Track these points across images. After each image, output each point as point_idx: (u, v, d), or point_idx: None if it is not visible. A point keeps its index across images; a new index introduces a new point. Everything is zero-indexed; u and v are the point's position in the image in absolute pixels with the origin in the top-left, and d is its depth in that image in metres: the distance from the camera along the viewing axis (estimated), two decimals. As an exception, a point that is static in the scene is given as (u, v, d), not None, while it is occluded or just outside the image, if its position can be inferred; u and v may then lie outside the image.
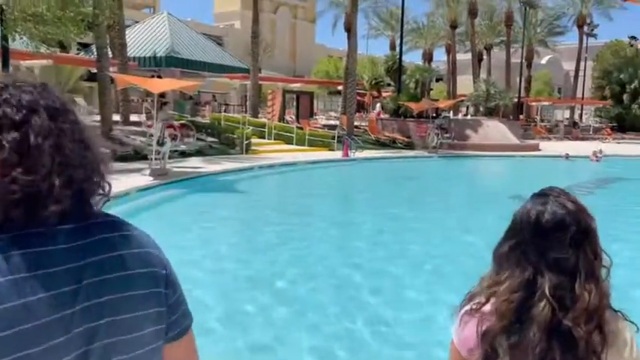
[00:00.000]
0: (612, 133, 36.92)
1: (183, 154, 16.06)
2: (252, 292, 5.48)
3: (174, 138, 13.90)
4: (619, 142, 32.36)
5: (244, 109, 30.51)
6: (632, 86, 40.67)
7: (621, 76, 41.22)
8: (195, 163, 15.10)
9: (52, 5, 12.10)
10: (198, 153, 16.88)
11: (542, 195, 1.22)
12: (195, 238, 7.80)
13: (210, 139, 19.19)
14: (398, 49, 32.56)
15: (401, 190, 14.05)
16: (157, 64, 27.05)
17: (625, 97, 41.03)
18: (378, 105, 30.25)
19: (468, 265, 5.70)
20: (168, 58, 27.12)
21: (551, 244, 1.10)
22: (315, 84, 33.48)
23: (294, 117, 26.24)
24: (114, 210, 1.01)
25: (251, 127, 20.83)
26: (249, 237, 8.28)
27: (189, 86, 16.20)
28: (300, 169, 16.58)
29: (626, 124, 40.10)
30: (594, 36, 45.95)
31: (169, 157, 13.97)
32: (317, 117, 31.58)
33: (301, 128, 22.29)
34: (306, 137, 21.30)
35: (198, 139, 17.90)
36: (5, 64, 13.45)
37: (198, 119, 23.93)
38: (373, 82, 32.22)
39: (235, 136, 18.79)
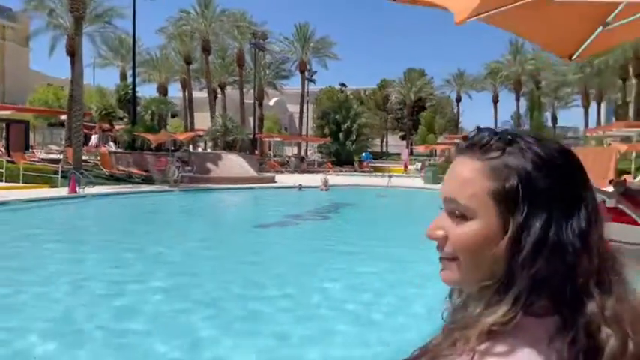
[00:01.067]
0: (332, 166, 41.62)
1: None
2: None
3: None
4: (338, 174, 36.54)
5: None
6: (346, 126, 46.77)
7: (337, 117, 47.07)
8: None
9: None
10: None
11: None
12: None
13: None
14: (130, 79, 30.70)
15: (139, 225, 12.66)
16: None
17: (341, 135, 46.90)
18: (94, 137, 27.97)
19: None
20: None
21: None
22: (31, 112, 28.96)
23: (3, 150, 21.97)
24: None
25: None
26: None
27: None
28: (13, 208, 13.61)
29: (342, 159, 45.75)
30: (313, 81, 51.78)
31: None
32: (34, 150, 27.24)
33: (13, 162, 18.68)
34: (21, 172, 17.90)
35: None
36: None
37: None
38: (103, 112, 29.53)
39: None
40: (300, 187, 23.18)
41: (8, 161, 18.70)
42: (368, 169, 42.44)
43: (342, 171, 40.69)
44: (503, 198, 0.70)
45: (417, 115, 61.52)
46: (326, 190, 22.86)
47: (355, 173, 39.75)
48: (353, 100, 51.83)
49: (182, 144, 30.05)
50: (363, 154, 46.73)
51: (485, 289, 0.70)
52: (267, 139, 45.61)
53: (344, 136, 46.29)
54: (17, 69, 46.44)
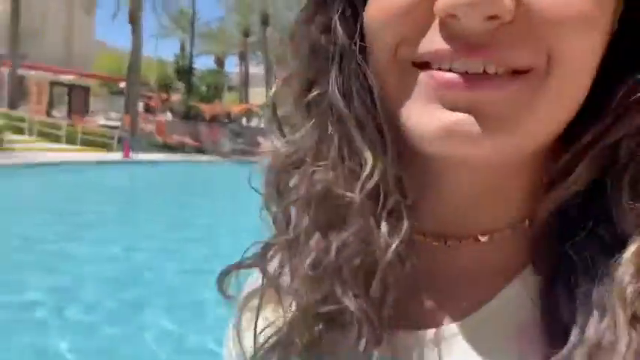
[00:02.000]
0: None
1: None
2: None
3: None
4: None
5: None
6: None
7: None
8: None
9: None
10: None
11: None
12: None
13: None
14: (189, 49, 30.94)
15: (191, 196, 12.62)
16: None
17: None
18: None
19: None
20: None
21: None
22: (92, 78, 29.69)
23: (64, 113, 22.65)
24: None
25: (3, 121, 17.08)
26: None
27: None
28: (67, 170, 13.86)
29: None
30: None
31: None
32: (94, 116, 27.99)
33: (73, 126, 19.16)
34: (79, 136, 18.31)
35: None
36: None
37: None
38: (161, 83, 29.96)
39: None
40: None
41: (68, 124, 19.17)
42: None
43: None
44: None
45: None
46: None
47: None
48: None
49: (236, 117, 30.11)
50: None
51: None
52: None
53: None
54: (83, 37, 47.92)
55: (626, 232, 0.33)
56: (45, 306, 4.40)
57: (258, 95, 43.42)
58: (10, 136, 16.44)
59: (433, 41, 0.33)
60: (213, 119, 24.41)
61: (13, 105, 21.10)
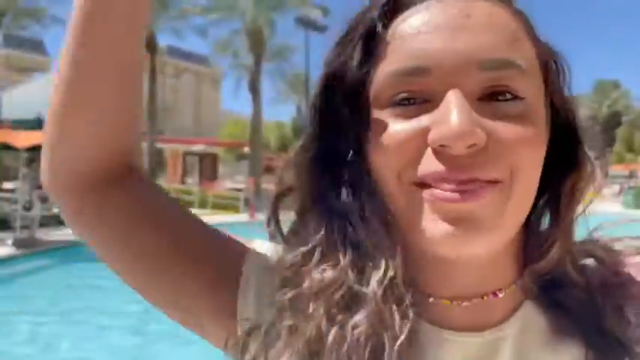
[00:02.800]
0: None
1: (62, 222, 13.70)
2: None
3: (44, 200, 11.67)
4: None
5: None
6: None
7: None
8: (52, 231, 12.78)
9: None
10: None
11: None
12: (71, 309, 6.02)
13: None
14: (304, 110, 32.33)
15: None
16: (40, 127, 24.51)
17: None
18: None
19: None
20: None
21: None
22: (218, 145, 32.04)
23: (197, 180, 24.48)
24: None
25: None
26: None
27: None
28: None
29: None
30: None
31: (41, 225, 11.69)
32: (222, 180, 29.97)
33: (204, 191, 20.57)
34: (209, 200, 19.54)
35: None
36: None
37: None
38: (280, 143, 31.45)
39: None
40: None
41: (200, 190, 20.60)
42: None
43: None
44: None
45: (611, 132, 54.72)
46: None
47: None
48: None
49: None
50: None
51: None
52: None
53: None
54: (210, 109, 52.36)
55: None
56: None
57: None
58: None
59: (430, 165, 0.42)
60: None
61: (153, 176, 23.29)
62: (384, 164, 0.44)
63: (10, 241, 10.41)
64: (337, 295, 0.45)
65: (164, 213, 0.55)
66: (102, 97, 0.49)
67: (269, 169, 34.23)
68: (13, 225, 11.25)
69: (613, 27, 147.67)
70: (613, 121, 56.06)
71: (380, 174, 0.45)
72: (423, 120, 0.42)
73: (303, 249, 0.48)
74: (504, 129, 0.42)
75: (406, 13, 0.45)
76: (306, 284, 0.46)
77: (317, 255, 0.47)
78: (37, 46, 44.19)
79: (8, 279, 7.82)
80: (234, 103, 64.99)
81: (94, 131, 0.50)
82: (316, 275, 0.46)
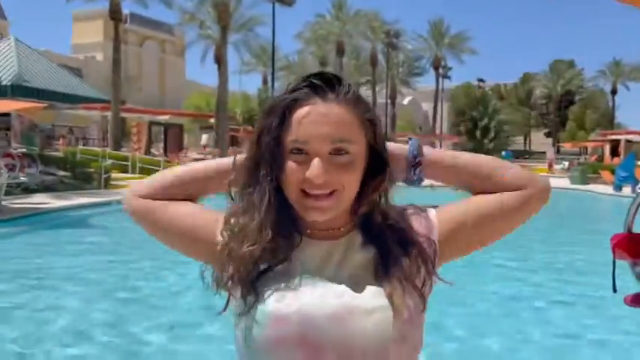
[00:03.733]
0: (469, 165, 40.08)
1: (27, 190, 13.94)
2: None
3: (11, 169, 11.93)
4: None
5: (106, 144, 28.15)
6: (483, 123, 44.77)
7: (473, 114, 45.24)
8: (41, 199, 13.07)
9: None
10: (47, 189, 14.74)
11: None
12: (28, 282, 6.31)
13: (62, 173, 17.00)
14: (270, 83, 32.53)
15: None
16: (0, 94, 23.99)
17: (477, 132, 45.00)
18: (204, 137, 29.48)
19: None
20: (15, 86, 24.12)
21: None
22: (184, 116, 32.06)
23: (161, 150, 24.63)
24: None
25: (111, 161, 18.97)
26: (100, 279, 6.92)
27: (29, 108, 14.28)
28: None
29: (479, 158, 43.92)
30: (449, 77, 50.37)
31: (7, 193, 11.94)
32: (187, 153, 30.13)
33: (170, 162, 20.85)
34: (175, 171, 19.93)
35: (47, 173, 15.72)
36: None
37: (51, 153, 21.41)
38: (247, 116, 31.68)
39: (92, 169, 16.88)
40: (432, 187, 22.75)
41: (165, 161, 20.89)
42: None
43: (478, 170, 39.02)
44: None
45: (564, 111, 56.83)
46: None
47: (493, 173, 37.87)
48: (491, 96, 49.47)
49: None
50: (503, 153, 44.31)
51: None
52: (400, 138, 45.46)
53: (481, 134, 44.36)
54: (175, 79, 51.67)
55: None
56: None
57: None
58: (116, 174, 18.26)
59: (305, 185, 0.85)
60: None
61: (117, 145, 23.35)
62: (286, 181, 0.87)
63: (-23, 209, 10.58)
64: (248, 230, 0.90)
65: (187, 212, 1.01)
66: (189, 191, 1.01)
67: (234, 141, 34.51)
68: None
69: (569, 7, 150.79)
70: (566, 100, 58.27)
71: (284, 183, 0.88)
72: (305, 166, 0.85)
73: (238, 208, 0.94)
74: (338, 169, 0.85)
75: (301, 106, 0.87)
76: (233, 223, 0.93)
77: (241, 212, 0.92)
78: (-8, 9, 42.54)
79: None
80: (199, 74, 64.07)
81: (181, 194, 1.01)
82: (240, 220, 0.92)
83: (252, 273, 0.88)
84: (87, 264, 7.53)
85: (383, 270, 0.88)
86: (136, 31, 47.53)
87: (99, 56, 47.42)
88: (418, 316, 0.88)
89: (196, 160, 24.59)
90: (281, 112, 0.87)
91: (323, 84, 0.87)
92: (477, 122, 44.52)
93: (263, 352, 0.85)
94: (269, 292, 0.87)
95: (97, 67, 44.92)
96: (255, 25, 31.34)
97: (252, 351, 0.86)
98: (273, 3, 29.13)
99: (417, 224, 0.95)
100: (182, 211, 1.00)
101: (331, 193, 0.85)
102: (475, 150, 44.99)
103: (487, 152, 44.39)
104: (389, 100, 43.94)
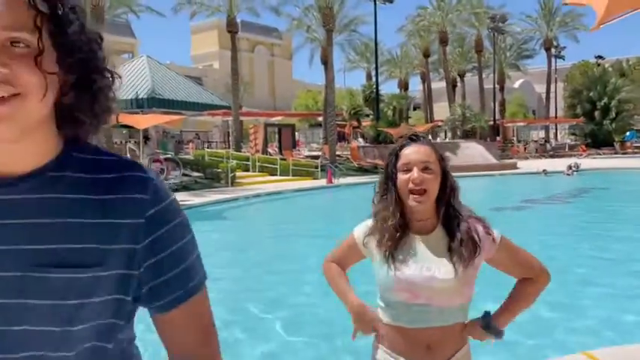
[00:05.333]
0: (587, 149, 38.01)
1: (172, 190, 16.32)
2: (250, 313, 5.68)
3: (160, 172, 14.20)
4: (594, 158, 33.32)
5: (227, 145, 30.95)
6: (602, 103, 42.08)
7: (591, 94, 42.67)
8: (181, 197, 15.34)
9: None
10: (185, 188, 17.13)
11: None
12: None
13: (195, 174, 19.47)
14: (374, 79, 33.52)
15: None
16: (139, 106, 27.42)
17: (596, 114, 42.38)
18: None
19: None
20: (150, 99, 27.54)
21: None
22: (295, 116, 34.17)
23: (277, 149, 26.68)
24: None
25: (235, 161, 21.20)
26: (241, 258, 8.52)
27: (173, 120, 16.59)
28: (286, 197, 16.90)
29: (599, 140, 41.30)
30: (562, 58, 47.73)
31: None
32: (299, 149, 32.09)
33: (284, 159, 22.72)
34: (290, 167, 21.68)
35: (183, 174, 18.20)
36: None
37: (183, 156, 24.26)
38: (352, 112, 32.95)
39: (220, 169, 19.11)
40: (545, 172, 22.40)
41: (281, 159, 22.80)
42: (632, 150, 37.57)
43: (598, 153, 36.93)
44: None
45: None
46: (569, 174, 21.62)
47: (616, 155, 35.66)
48: (612, 74, 46.13)
49: (421, 135, 31.55)
50: (627, 133, 41.39)
51: None
52: (509, 124, 44.08)
53: (600, 115, 41.76)
54: (284, 80, 54.45)
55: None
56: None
57: (442, 109, 44.37)
58: (240, 173, 20.43)
59: (410, 187, 1.61)
60: (401, 140, 26.25)
61: (237, 147, 25.78)
62: (400, 186, 1.56)
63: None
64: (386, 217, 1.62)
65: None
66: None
67: (341, 137, 35.99)
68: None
69: None
70: None
71: (400, 189, 1.57)
72: (409, 175, 1.56)
73: (380, 205, 1.67)
74: (425, 179, 1.61)
75: (405, 147, 1.61)
76: (376, 212, 1.68)
77: (380, 207, 1.65)
78: (125, 30, 47.97)
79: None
80: (305, 74, 66.53)
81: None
82: (381, 213, 1.64)
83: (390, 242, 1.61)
84: (232, 244, 9.27)
85: (452, 252, 1.57)
86: (247, 37, 50.80)
87: (215, 64, 51.42)
88: (471, 279, 1.60)
89: (309, 157, 26.41)
90: (395, 151, 1.66)
91: (416, 137, 1.68)
92: (595, 102, 41.97)
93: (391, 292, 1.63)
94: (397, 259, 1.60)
95: (214, 75, 48.79)
96: (358, 25, 32.46)
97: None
98: (375, 1, 30.10)
99: (480, 230, 1.61)
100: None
101: (423, 192, 1.56)
102: (595, 133, 42.34)
103: (608, 134, 41.68)
104: (497, 86, 42.85)
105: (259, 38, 53.56)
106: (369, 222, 1.71)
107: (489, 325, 1.64)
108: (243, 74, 47.12)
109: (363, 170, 24.35)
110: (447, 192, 1.60)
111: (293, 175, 21.31)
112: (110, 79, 0.81)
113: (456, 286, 1.56)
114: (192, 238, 0.89)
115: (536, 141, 43.25)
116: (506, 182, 21.23)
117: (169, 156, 18.29)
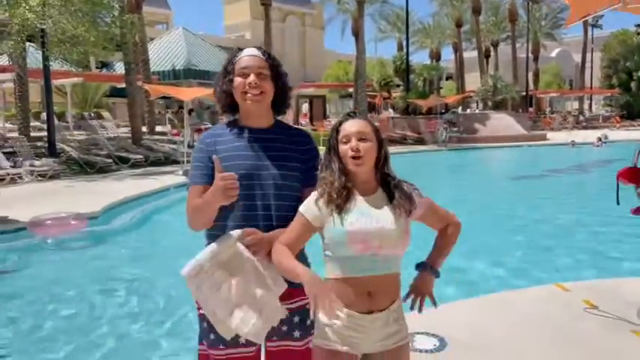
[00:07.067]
0: (621, 120, 37.42)
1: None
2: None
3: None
4: (628, 129, 32.90)
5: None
6: (639, 74, 41.10)
7: (628, 64, 41.66)
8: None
9: (87, 27, 13.40)
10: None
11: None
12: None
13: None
14: (405, 49, 33.60)
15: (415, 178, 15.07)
16: (175, 77, 28.48)
17: (633, 84, 41.45)
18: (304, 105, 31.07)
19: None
20: (186, 70, 28.54)
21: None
22: (326, 87, 34.62)
23: (308, 120, 27.39)
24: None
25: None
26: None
27: (213, 92, 17.38)
28: (317, 166, 17.67)
29: (634, 111, 40.51)
30: (599, 27, 46.48)
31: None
32: (330, 119, 32.71)
33: (316, 130, 23.42)
34: (321, 138, 22.39)
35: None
36: (47, 84, 14.82)
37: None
38: (383, 82, 33.24)
39: (255, 138, 19.95)
40: (574, 144, 22.55)
41: (312, 129, 23.50)
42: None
43: (632, 125, 36.36)
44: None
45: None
46: (598, 145, 21.74)
47: (651, 127, 35.12)
48: (652, 43, 44.78)
49: (451, 106, 31.74)
50: (664, 105, 40.51)
51: None
52: (543, 95, 43.53)
53: (636, 86, 40.84)
54: (315, 50, 54.59)
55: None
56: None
57: (475, 79, 43.99)
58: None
59: (352, 154, 1.83)
60: (430, 111, 26.56)
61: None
62: (343, 155, 1.79)
63: (180, 172, 13.76)
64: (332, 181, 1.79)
65: None
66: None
67: (371, 107, 36.36)
68: (180, 160, 14.79)
69: None
70: None
71: (343, 157, 1.78)
72: (349, 146, 1.83)
73: (324, 173, 1.82)
74: (363, 147, 1.78)
75: (344, 123, 1.84)
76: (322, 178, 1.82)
77: (326, 174, 1.80)
78: (160, 2, 48.84)
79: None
80: (335, 44, 66.07)
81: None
82: (327, 178, 1.80)
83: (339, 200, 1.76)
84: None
85: (394, 205, 1.78)
86: (279, 7, 51.00)
87: (247, 35, 51.92)
88: (409, 228, 1.82)
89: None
90: (336, 127, 1.87)
91: (353, 114, 1.88)
92: (633, 73, 41.02)
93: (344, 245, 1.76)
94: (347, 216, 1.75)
95: (246, 45, 49.03)
96: (389, -5, 32.44)
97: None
98: (406, -29, 29.99)
99: (413, 192, 1.87)
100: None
101: (360, 157, 1.75)
102: (630, 105, 41.41)
103: (644, 106, 40.79)
104: (531, 56, 42.18)
105: (291, 8, 53.62)
106: (312, 196, 1.85)
107: (434, 270, 1.95)
108: (275, 44, 47.57)
109: (391, 141, 24.88)
110: (382, 158, 1.84)
111: (323, 146, 21.97)
112: (287, 90, 1.98)
113: (400, 234, 1.78)
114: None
115: (569, 112, 42.68)
116: (534, 153, 21.49)
117: (209, 126, 19.21)
